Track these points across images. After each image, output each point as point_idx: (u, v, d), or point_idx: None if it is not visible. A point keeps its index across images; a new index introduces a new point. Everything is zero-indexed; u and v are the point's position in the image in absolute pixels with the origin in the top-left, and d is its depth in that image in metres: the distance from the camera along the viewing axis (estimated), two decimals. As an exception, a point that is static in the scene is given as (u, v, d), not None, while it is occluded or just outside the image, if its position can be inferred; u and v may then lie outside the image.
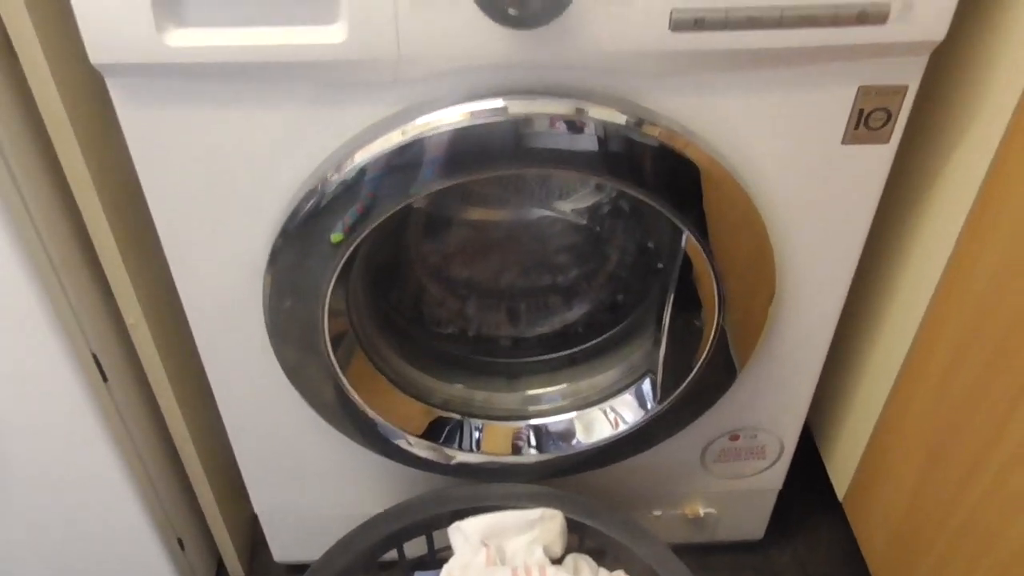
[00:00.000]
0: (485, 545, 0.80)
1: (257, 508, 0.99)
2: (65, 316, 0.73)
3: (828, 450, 1.05)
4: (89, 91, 0.68)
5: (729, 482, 0.99)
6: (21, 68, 0.64)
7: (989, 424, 0.71)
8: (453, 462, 0.89)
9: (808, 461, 1.06)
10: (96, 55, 0.60)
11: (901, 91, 0.66)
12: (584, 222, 0.88)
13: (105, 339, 0.80)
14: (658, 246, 0.87)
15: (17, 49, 0.63)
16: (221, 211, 0.70)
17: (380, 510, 0.84)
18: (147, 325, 0.80)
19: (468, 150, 0.65)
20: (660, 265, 0.85)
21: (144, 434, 0.88)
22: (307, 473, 0.93)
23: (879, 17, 0.60)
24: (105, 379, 0.80)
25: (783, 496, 1.03)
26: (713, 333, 0.79)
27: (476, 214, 0.86)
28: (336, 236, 0.69)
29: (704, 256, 0.73)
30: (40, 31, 0.62)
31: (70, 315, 0.73)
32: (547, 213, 0.87)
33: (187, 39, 0.59)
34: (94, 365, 0.78)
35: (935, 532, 0.81)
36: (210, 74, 0.62)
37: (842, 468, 1.00)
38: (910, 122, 0.69)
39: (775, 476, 0.99)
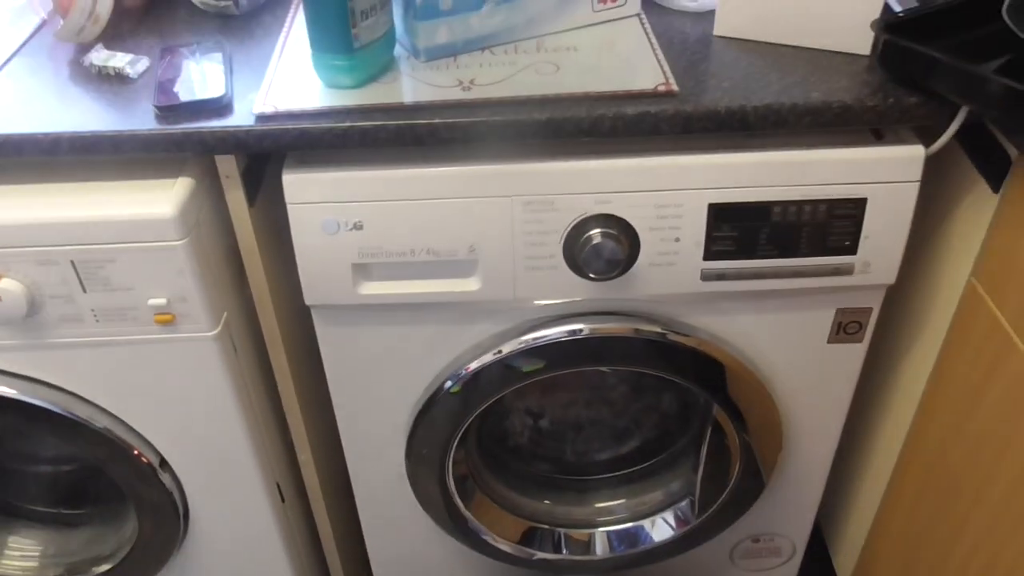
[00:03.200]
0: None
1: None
2: (262, 457, 1.01)
3: (834, 547, 1.30)
4: (295, 315, 0.98)
5: (752, 574, 1.24)
6: (254, 306, 0.93)
7: (948, 537, 0.96)
8: (534, 558, 1.16)
9: (821, 555, 1.31)
10: (310, 299, 0.89)
11: (867, 311, 0.93)
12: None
13: (285, 472, 1.08)
14: (693, 404, 1.13)
15: (253, 292, 0.92)
16: (380, 389, 0.98)
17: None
18: (313, 462, 1.09)
19: (556, 356, 0.93)
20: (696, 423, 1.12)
21: (303, 537, 1.16)
22: (424, 565, 1.20)
23: (847, 271, 0.87)
24: (283, 500, 1.08)
25: (799, 584, 1.28)
26: (738, 469, 1.05)
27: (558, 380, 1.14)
28: (455, 390, 0.96)
29: (729, 420, 1.00)
30: (269, 279, 0.92)
31: (266, 456, 1.02)
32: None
33: (374, 289, 0.88)
34: (276, 490, 1.06)
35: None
36: (386, 308, 0.91)
37: (844, 565, 1.25)
38: (878, 323, 0.95)
39: (789, 570, 1.24)
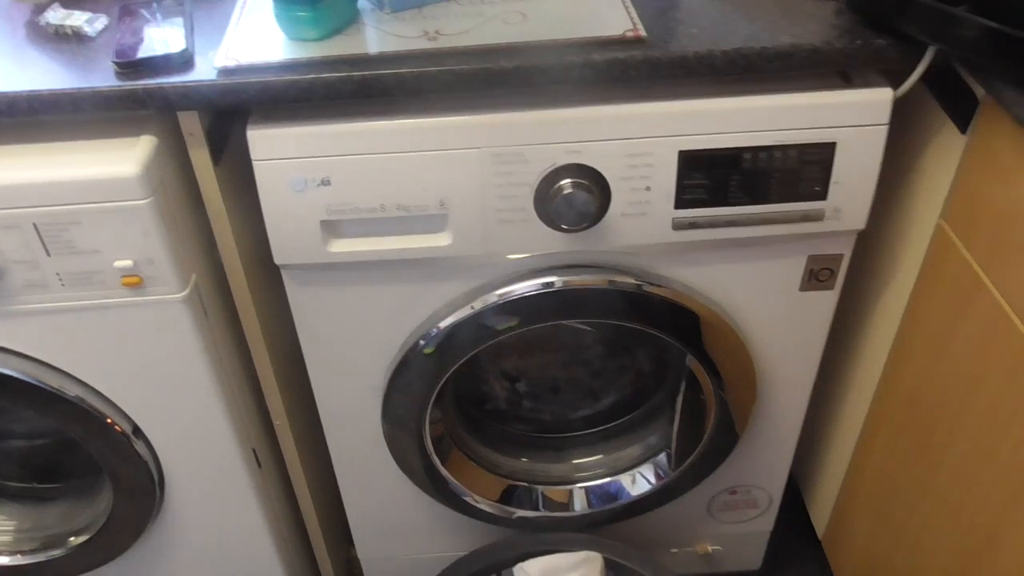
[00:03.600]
0: (544, 582, 1.07)
1: (361, 555, 1.26)
2: (237, 422, 1.00)
3: (809, 498, 1.32)
4: (265, 276, 0.96)
5: (730, 526, 1.25)
6: (222, 263, 0.92)
7: (922, 478, 0.98)
8: (515, 516, 1.16)
9: (797, 506, 1.33)
10: (280, 258, 0.88)
11: (839, 258, 0.93)
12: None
13: (261, 438, 1.07)
14: (668, 358, 1.13)
15: (222, 253, 0.91)
16: (354, 350, 0.98)
17: (460, 555, 1.12)
18: (289, 427, 1.08)
19: (530, 311, 0.93)
20: (671, 373, 1.12)
21: (281, 504, 1.15)
22: (403, 527, 1.20)
23: (817, 217, 0.88)
24: (260, 466, 1.07)
25: (776, 534, 1.29)
26: (712, 421, 1.05)
27: (534, 341, 1.14)
28: (428, 350, 0.95)
29: (703, 370, 1.00)
30: (238, 239, 0.90)
31: (241, 422, 1.01)
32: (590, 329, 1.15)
33: (343, 247, 0.87)
34: (253, 456, 1.06)
35: (895, 563, 1.08)
36: (356, 267, 0.90)
37: (820, 512, 1.27)
38: (850, 269, 0.96)
39: (766, 520, 1.26)
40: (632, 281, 0.92)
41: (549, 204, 0.84)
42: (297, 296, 0.93)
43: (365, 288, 0.92)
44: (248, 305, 0.95)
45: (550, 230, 0.87)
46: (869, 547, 1.12)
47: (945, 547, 0.93)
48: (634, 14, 0.82)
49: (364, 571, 1.29)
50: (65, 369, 0.91)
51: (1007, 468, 0.80)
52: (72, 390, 0.92)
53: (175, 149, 0.83)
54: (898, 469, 1.02)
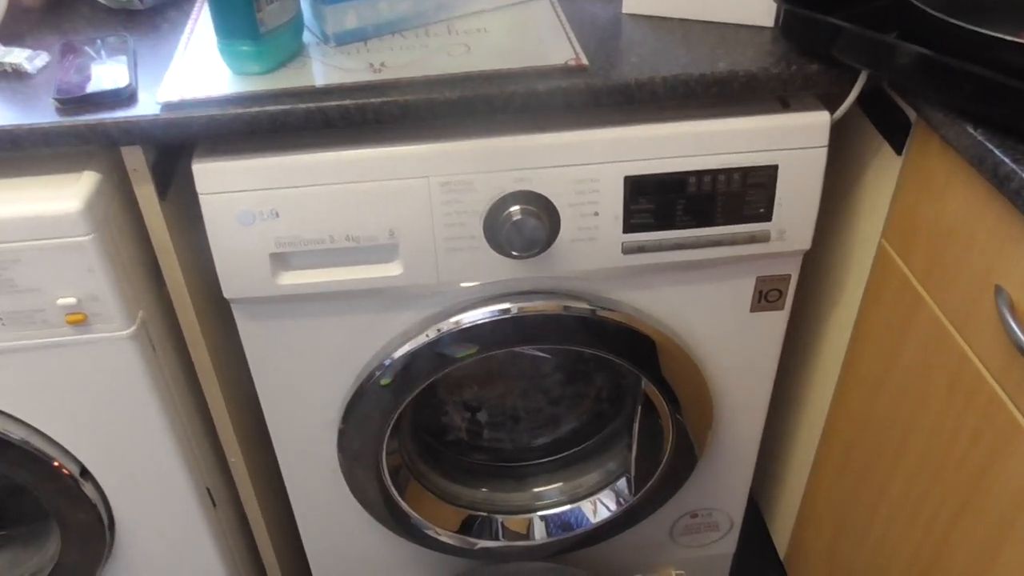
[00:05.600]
0: (508, 613, 1.06)
1: (322, 594, 1.24)
2: (190, 461, 0.98)
3: (770, 518, 1.32)
4: (215, 310, 0.95)
5: (693, 550, 1.25)
6: (171, 299, 0.91)
7: (873, 497, 0.99)
8: (476, 547, 1.15)
9: (759, 527, 1.33)
10: (229, 292, 0.87)
11: (786, 278, 0.95)
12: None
13: (215, 476, 1.05)
14: (625, 384, 1.14)
15: (170, 288, 0.90)
16: (308, 384, 0.97)
17: (423, 591, 1.10)
18: (244, 464, 1.06)
19: (487, 337, 0.93)
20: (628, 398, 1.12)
21: (237, 542, 1.13)
22: (363, 562, 1.19)
23: (763, 238, 0.89)
24: (214, 505, 1.05)
25: (739, 556, 1.29)
26: (670, 445, 1.06)
27: (493, 370, 1.14)
28: (385, 381, 0.95)
29: (659, 393, 1.01)
30: (186, 275, 0.89)
31: (193, 460, 0.99)
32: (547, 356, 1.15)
33: (293, 279, 0.87)
34: (207, 495, 1.04)
35: (847, 583, 1.08)
36: (307, 299, 0.89)
37: (781, 534, 1.28)
38: (799, 290, 0.98)
39: (728, 543, 1.26)
40: (586, 306, 0.93)
41: (499, 231, 0.85)
42: (248, 330, 0.92)
43: (317, 320, 0.92)
44: (198, 341, 0.93)
45: (501, 257, 0.87)
46: (829, 564, 1.13)
47: (901, 559, 0.94)
48: (576, 44, 0.83)
49: (326, 610, 1.27)
50: (9, 411, 0.89)
51: (954, 479, 0.81)
52: (17, 433, 0.90)
53: (120, 184, 0.83)
54: (853, 485, 1.03)
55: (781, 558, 1.29)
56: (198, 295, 0.92)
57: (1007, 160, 0.65)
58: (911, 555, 0.91)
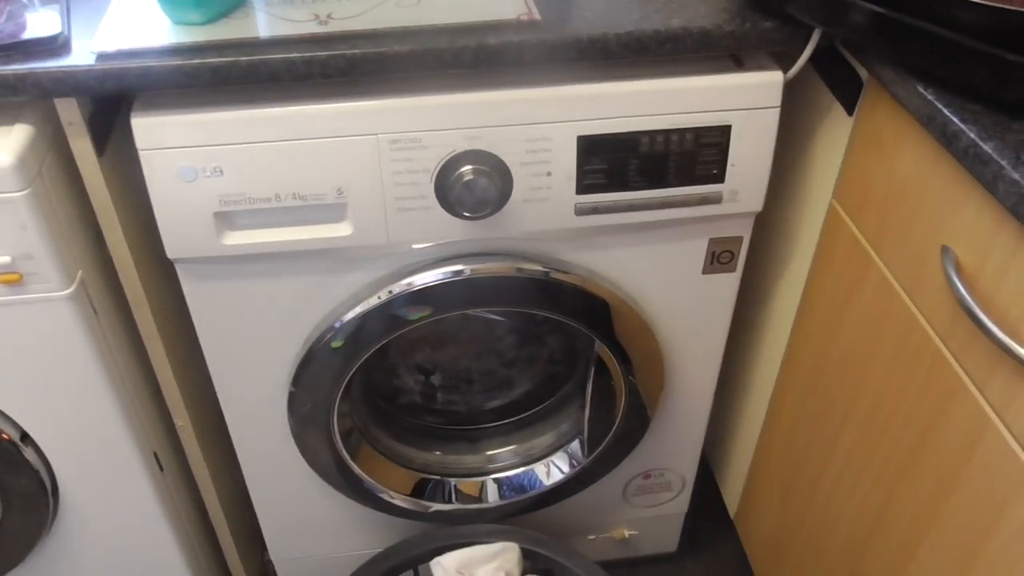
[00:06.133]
0: (460, 574, 1.06)
1: (274, 557, 1.23)
2: (136, 425, 0.96)
3: (721, 478, 1.34)
4: (159, 271, 0.93)
5: (646, 510, 1.27)
6: (112, 261, 0.88)
7: (822, 455, 1.00)
8: (430, 510, 1.15)
9: (711, 487, 1.35)
10: (172, 252, 0.85)
11: (738, 240, 0.95)
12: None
13: (162, 440, 1.03)
14: (578, 346, 1.14)
15: (110, 248, 0.87)
16: (257, 346, 0.95)
17: (375, 552, 1.10)
18: (192, 427, 1.04)
19: (440, 299, 0.92)
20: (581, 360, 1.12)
21: (187, 508, 1.12)
22: (316, 527, 1.18)
23: (715, 200, 0.89)
24: (162, 469, 1.03)
25: (691, 516, 1.31)
26: (623, 407, 1.06)
27: (446, 333, 1.13)
28: (336, 343, 0.93)
29: (612, 355, 1.01)
30: (128, 233, 0.87)
31: (139, 424, 0.97)
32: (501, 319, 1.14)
33: (238, 239, 0.85)
34: (154, 460, 1.02)
35: (801, 536, 1.10)
36: (254, 259, 0.87)
37: (732, 494, 1.29)
38: (751, 252, 0.98)
39: (681, 503, 1.27)
40: (539, 268, 0.92)
41: (450, 191, 0.83)
42: (193, 291, 0.90)
43: (265, 281, 0.90)
44: (142, 301, 0.91)
45: (452, 218, 0.86)
46: (777, 523, 1.15)
47: (848, 516, 0.95)
48: (529, -2, 0.82)
49: (278, 573, 1.26)
50: (-57, 375, 0.86)
51: (899, 439, 0.82)
52: (-48, 397, 0.87)
53: (55, 139, 0.79)
54: (802, 445, 1.05)
55: (731, 516, 1.31)
56: (141, 255, 0.90)
57: (955, 119, 0.65)
58: (858, 511, 0.92)
